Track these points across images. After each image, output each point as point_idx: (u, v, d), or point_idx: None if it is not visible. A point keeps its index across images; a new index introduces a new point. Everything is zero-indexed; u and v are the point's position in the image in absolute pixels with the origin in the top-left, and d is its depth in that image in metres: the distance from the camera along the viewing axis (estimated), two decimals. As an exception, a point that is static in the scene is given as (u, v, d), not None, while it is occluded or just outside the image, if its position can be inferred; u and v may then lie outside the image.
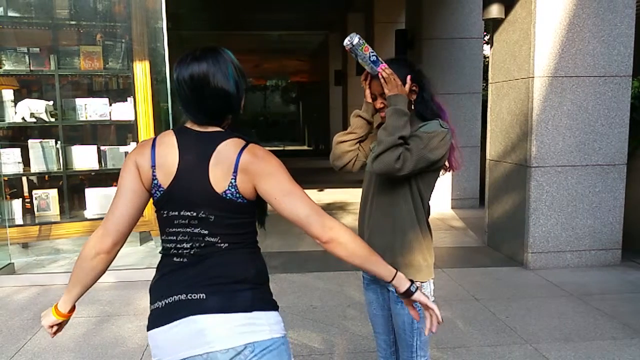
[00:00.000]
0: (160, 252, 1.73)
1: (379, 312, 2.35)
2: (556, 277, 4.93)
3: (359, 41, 2.12)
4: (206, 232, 1.63)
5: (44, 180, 5.76)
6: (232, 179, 1.59)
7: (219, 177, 1.60)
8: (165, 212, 1.66)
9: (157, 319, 1.64)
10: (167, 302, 1.63)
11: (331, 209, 8.60)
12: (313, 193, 10.04)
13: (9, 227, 5.20)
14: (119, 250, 1.69)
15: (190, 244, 1.64)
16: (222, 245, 1.64)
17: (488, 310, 4.17)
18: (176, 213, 1.64)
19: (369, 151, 2.24)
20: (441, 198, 8.16)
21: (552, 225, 5.19)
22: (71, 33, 5.74)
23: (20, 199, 5.50)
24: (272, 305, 1.68)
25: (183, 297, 1.61)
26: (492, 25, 5.81)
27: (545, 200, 5.16)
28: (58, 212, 5.54)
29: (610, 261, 5.28)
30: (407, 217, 2.15)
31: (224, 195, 1.60)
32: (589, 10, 5.00)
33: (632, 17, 5.07)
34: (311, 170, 14.04)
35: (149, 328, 1.66)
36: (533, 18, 5.02)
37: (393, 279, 1.65)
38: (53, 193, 5.52)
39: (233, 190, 1.60)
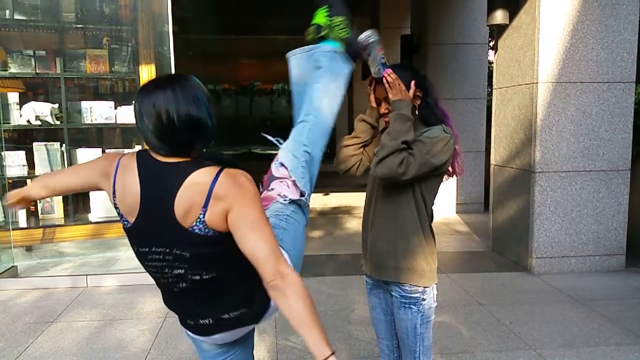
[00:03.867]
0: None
1: (382, 317, 2.35)
2: (560, 283, 4.91)
3: (375, 39, 2.13)
4: (186, 266, 1.56)
5: (49, 183, 5.77)
6: (200, 213, 1.48)
7: (186, 211, 1.49)
8: (136, 247, 1.61)
9: (194, 331, 1.73)
10: (198, 323, 1.68)
11: (336, 212, 8.60)
12: (318, 197, 10.04)
13: (13, 229, 5.21)
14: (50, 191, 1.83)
15: (176, 280, 1.59)
16: (209, 276, 1.57)
17: (492, 315, 4.16)
18: (147, 249, 1.57)
19: (373, 155, 2.24)
20: (446, 203, 8.15)
21: (556, 231, 5.18)
22: (77, 36, 5.77)
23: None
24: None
25: (209, 321, 1.65)
26: (497, 31, 5.82)
27: (550, 205, 5.15)
28: (62, 215, 5.55)
29: (614, 267, 5.26)
30: (411, 221, 2.15)
31: (191, 230, 1.49)
32: (593, 16, 5.00)
33: (635, 24, 5.07)
34: (315, 174, 14.02)
35: (190, 332, 1.77)
36: (537, 24, 5.02)
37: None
38: (57, 196, 5.54)
39: (201, 225, 1.49)
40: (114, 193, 1.57)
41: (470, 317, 4.13)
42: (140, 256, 1.62)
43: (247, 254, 1.49)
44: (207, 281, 1.57)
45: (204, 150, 1.58)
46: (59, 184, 1.79)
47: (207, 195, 1.46)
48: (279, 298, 1.47)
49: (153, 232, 1.54)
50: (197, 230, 1.49)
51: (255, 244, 1.47)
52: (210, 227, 1.50)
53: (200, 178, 1.48)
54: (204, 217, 1.48)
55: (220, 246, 1.54)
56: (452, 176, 2.27)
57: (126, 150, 5.64)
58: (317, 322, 1.44)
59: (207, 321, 1.65)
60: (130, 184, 1.54)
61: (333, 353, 1.42)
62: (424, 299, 2.16)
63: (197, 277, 1.56)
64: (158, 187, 1.52)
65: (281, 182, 1.89)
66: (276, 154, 2.05)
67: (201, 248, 1.52)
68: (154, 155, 1.55)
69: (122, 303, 4.44)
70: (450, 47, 8.13)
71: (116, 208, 1.59)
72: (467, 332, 3.85)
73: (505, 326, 3.95)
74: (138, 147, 5.50)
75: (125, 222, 1.59)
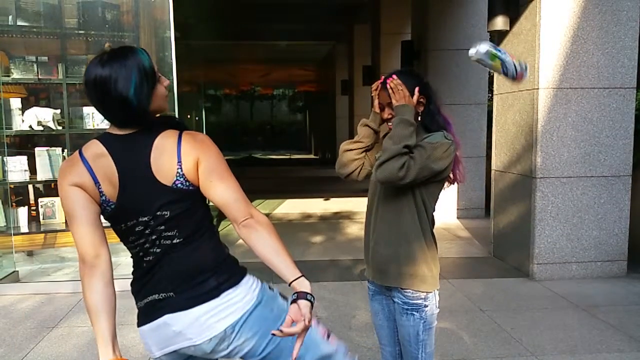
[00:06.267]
0: (131, 257, 1.76)
1: (384, 323, 2.35)
2: (562, 289, 4.90)
3: (485, 51, 2.16)
4: (163, 227, 1.64)
5: (50, 188, 5.77)
6: (178, 168, 1.60)
7: (164, 171, 1.61)
8: (123, 224, 1.66)
9: (140, 318, 1.74)
10: (145, 302, 1.71)
11: (337, 218, 8.60)
12: (319, 202, 10.05)
13: (14, 234, 5.21)
14: (109, 260, 1.67)
15: (152, 242, 1.66)
16: (178, 240, 1.65)
17: (493, 321, 4.15)
18: (134, 221, 1.64)
19: (374, 160, 2.24)
20: (447, 208, 8.14)
21: (557, 236, 5.18)
22: (79, 42, 5.78)
23: (26, 207, 5.52)
24: (238, 276, 1.71)
25: (156, 297, 1.68)
26: (497, 37, 5.82)
27: (551, 211, 5.15)
28: (64, 220, 5.54)
29: (615, 272, 5.26)
30: (412, 227, 2.16)
31: (174, 186, 1.61)
32: (593, 22, 5.01)
33: (635, 30, 5.08)
34: (317, 179, 14.06)
35: (137, 325, 1.77)
36: (538, 30, 5.03)
37: (294, 280, 1.60)
38: (59, 201, 5.53)
39: (182, 179, 1.61)
40: (95, 179, 1.60)
41: (472, 323, 4.13)
42: (127, 232, 1.67)
43: (218, 200, 1.63)
44: (176, 246, 1.65)
45: (157, 117, 1.71)
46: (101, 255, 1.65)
47: (177, 153, 1.60)
48: (252, 234, 1.62)
49: (138, 202, 1.62)
50: (179, 185, 1.61)
51: (225, 190, 1.63)
52: (190, 181, 1.62)
53: (165, 141, 1.62)
54: (182, 170, 1.60)
55: (194, 202, 1.66)
56: (454, 183, 2.28)
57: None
58: (287, 252, 1.63)
59: (170, 294, 1.67)
60: (107, 166, 1.60)
61: (303, 275, 1.61)
62: (426, 305, 2.16)
63: (169, 242, 1.65)
64: (129, 158, 1.61)
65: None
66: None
67: (180, 204, 1.63)
68: (112, 132, 1.65)
69: (123, 308, 4.39)
70: (451, 52, 8.14)
71: (101, 195, 1.61)
72: (468, 338, 3.85)
73: (506, 332, 3.94)
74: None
75: (109, 206, 1.63)
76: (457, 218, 8.34)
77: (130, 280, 1.78)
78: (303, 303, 1.57)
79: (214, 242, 1.73)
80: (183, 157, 1.60)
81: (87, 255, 1.62)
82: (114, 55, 1.59)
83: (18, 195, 5.66)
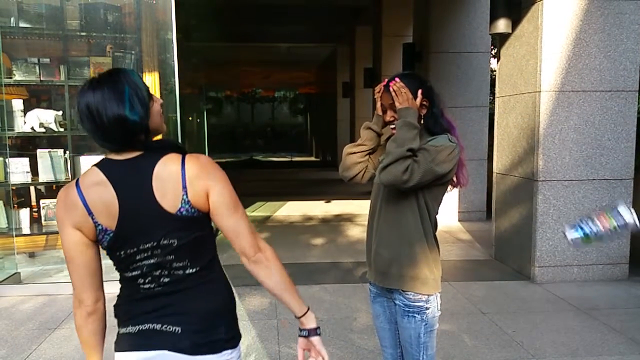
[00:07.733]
0: (120, 279, 1.72)
1: (386, 326, 2.35)
2: (563, 292, 4.90)
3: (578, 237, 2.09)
4: (172, 257, 1.59)
5: (52, 189, 5.78)
6: (183, 194, 1.54)
7: (168, 197, 1.54)
8: (122, 252, 1.60)
9: (128, 344, 1.68)
10: (140, 328, 1.65)
11: (339, 220, 8.60)
12: (320, 204, 10.05)
13: (16, 236, 5.22)
14: (104, 301, 1.72)
15: (159, 271, 1.61)
16: (192, 270, 1.62)
17: (495, 324, 4.15)
18: (135, 249, 1.58)
19: (378, 163, 2.25)
20: (448, 211, 8.14)
21: (559, 239, 5.17)
22: (81, 44, 5.78)
23: (28, 209, 5.52)
24: (238, 339, 1.71)
25: (158, 326, 1.63)
26: (499, 40, 5.84)
27: (552, 214, 5.15)
28: (65, 222, 5.54)
29: (617, 276, 5.25)
30: (414, 229, 2.16)
31: (179, 214, 1.55)
32: (596, 25, 5.02)
33: (638, 33, 5.08)
34: (318, 181, 14.07)
35: (118, 350, 1.71)
36: (540, 33, 5.04)
37: (303, 315, 1.65)
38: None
39: (187, 206, 1.55)
40: (89, 210, 1.55)
41: (473, 325, 4.13)
42: (126, 260, 1.61)
43: (228, 230, 1.61)
44: (189, 279, 1.63)
45: (152, 139, 1.64)
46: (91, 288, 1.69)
47: (182, 178, 1.54)
48: (263, 270, 1.62)
49: (139, 229, 1.56)
50: (184, 212, 1.55)
51: (236, 222, 1.61)
52: (195, 207, 1.56)
53: (167, 166, 1.56)
54: (187, 197, 1.55)
55: (203, 230, 1.62)
56: (457, 187, 2.28)
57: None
58: (294, 287, 1.66)
59: (176, 329, 1.62)
60: (105, 193, 1.55)
61: (309, 309, 1.67)
62: (427, 308, 2.16)
63: (181, 272, 1.61)
64: (131, 184, 1.55)
65: None
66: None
67: (188, 233, 1.58)
68: (109, 157, 1.60)
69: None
70: (453, 55, 8.15)
71: (96, 225, 1.56)
72: (469, 340, 3.85)
73: (507, 335, 3.94)
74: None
75: (107, 235, 1.57)
76: (459, 221, 8.34)
77: (115, 302, 1.75)
78: (317, 340, 1.65)
79: (228, 284, 1.73)
80: (189, 184, 1.54)
81: (87, 300, 1.66)
82: (103, 79, 1.56)
83: (20, 196, 5.67)
